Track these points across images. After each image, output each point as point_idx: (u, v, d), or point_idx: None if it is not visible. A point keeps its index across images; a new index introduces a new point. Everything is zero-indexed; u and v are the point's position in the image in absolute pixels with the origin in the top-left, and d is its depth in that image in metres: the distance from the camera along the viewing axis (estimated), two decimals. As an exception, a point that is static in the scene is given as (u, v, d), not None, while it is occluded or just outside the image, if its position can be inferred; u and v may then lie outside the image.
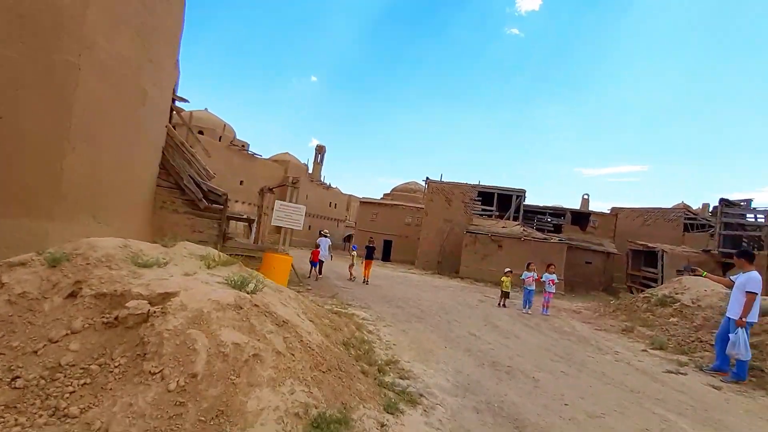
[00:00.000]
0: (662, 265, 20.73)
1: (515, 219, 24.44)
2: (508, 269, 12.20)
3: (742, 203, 21.57)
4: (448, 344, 6.22)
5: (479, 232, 22.76)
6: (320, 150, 49.20)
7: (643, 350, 7.21)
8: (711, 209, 26.13)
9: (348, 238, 46.31)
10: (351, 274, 14.79)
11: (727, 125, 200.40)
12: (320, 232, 16.78)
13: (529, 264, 11.77)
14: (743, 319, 5.19)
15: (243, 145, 35.25)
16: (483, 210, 25.01)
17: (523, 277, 11.29)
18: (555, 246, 21.38)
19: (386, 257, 34.40)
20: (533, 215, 25.46)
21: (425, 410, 3.58)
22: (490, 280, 20.63)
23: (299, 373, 3.07)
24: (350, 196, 51.94)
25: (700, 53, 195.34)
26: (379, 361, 4.70)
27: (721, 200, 21.85)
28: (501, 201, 25.08)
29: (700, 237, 23.90)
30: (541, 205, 25.81)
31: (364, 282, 14.34)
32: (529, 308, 10.74)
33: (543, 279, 11.23)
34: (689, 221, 25.64)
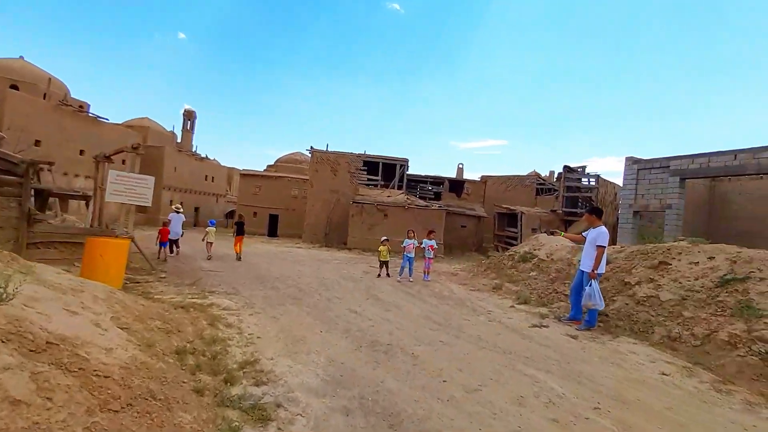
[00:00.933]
0: (521, 225, 23.65)
1: (399, 188, 24.94)
2: (385, 237, 12.04)
3: (578, 170, 25.65)
4: (324, 327, 5.53)
5: (365, 202, 22.60)
6: (189, 115, 43.16)
7: (510, 306, 7.64)
8: (556, 175, 30.58)
9: (230, 214, 42.29)
10: (209, 251, 13.12)
11: (569, 103, 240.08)
12: (173, 207, 15.38)
13: (409, 231, 11.77)
14: (594, 272, 5.64)
15: (81, 106, 28.42)
16: (369, 180, 24.88)
17: (403, 244, 11.24)
18: (435, 212, 22.49)
19: (273, 233, 32.38)
20: (416, 184, 26.34)
21: (279, 428, 2.79)
22: (376, 248, 20.84)
23: (60, 425, 1.95)
24: (231, 169, 47.15)
25: (550, 38, 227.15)
26: (232, 366, 3.74)
27: (564, 167, 25.65)
28: (385, 170, 25.25)
29: (548, 199, 27.84)
30: (423, 174, 26.81)
31: (237, 259, 12.88)
32: (411, 276, 10.77)
33: (423, 245, 11.36)
34: (540, 186, 29.62)
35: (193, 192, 36.70)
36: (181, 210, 14.21)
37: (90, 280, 4.66)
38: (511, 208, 25.03)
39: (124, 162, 20.63)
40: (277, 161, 37.91)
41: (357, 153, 24.84)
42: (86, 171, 26.94)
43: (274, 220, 32.88)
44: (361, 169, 24.68)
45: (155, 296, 6.48)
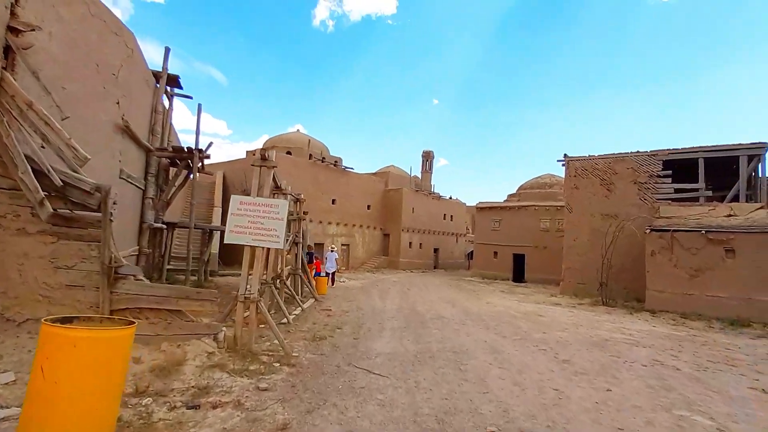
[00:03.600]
0: None
1: (749, 199, 13.40)
2: None
3: None
4: None
5: (679, 228, 12.75)
6: (427, 156, 42.99)
7: None
8: None
9: (471, 255, 38.29)
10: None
11: None
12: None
13: None
14: None
15: (336, 162, 31.44)
16: (677, 191, 14.62)
17: None
18: None
19: (518, 277, 25.43)
20: (787, 189, 13.80)
21: None
22: (715, 315, 10.86)
23: None
24: (473, 207, 43.91)
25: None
26: None
27: None
28: (713, 170, 14.34)
29: None
30: (800, 168, 13.98)
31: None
32: None
33: None
34: None
35: (432, 232, 34.69)
36: (334, 249, 18.08)
37: None
38: None
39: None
40: (519, 189, 31.24)
41: (648, 151, 15.23)
42: (336, 218, 28.98)
43: (519, 260, 25.95)
44: (660, 175, 14.84)
45: None
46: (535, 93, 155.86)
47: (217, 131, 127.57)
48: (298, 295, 11.62)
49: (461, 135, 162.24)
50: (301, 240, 11.83)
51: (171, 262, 17.65)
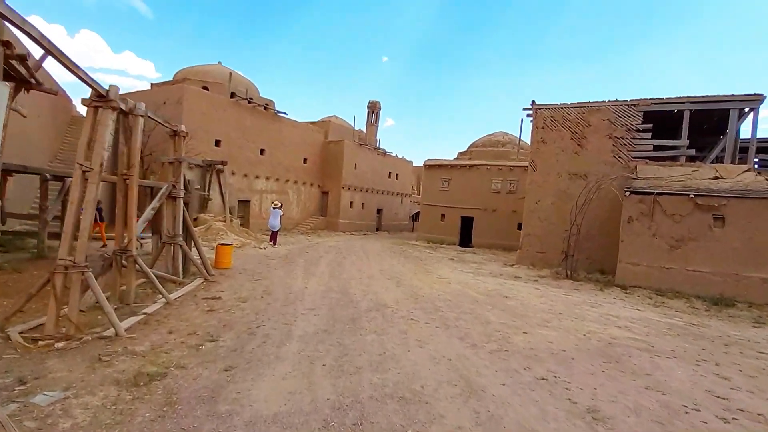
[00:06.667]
0: None
1: (739, 160, 11.81)
2: None
3: None
4: None
5: (664, 191, 10.81)
6: (373, 107, 39.00)
7: None
8: None
9: (416, 216, 36.13)
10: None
11: None
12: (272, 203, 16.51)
13: None
14: None
15: (266, 105, 26.38)
16: (657, 148, 12.70)
17: None
18: None
19: (466, 241, 23.55)
20: None
21: None
22: (695, 292, 9.29)
23: None
24: (420, 167, 41.20)
25: None
26: None
27: None
28: (698, 126, 12.55)
29: None
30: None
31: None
32: None
33: None
34: None
35: (375, 191, 31.65)
36: (278, 206, 17.06)
37: None
38: None
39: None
40: (470, 146, 28.87)
41: (629, 100, 12.97)
42: (267, 172, 24.66)
43: (467, 224, 23.98)
44: (639, 129, 12.75)
45: None
46: (489, 54, 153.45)
47: (143, 73, 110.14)
48: (176, 274, 7.99)
49: (410, 96, 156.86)
50: (182, 194, 8.02)
51: (11, 223, 12.78)
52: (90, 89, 5.21)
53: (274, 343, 5.04)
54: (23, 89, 9.72)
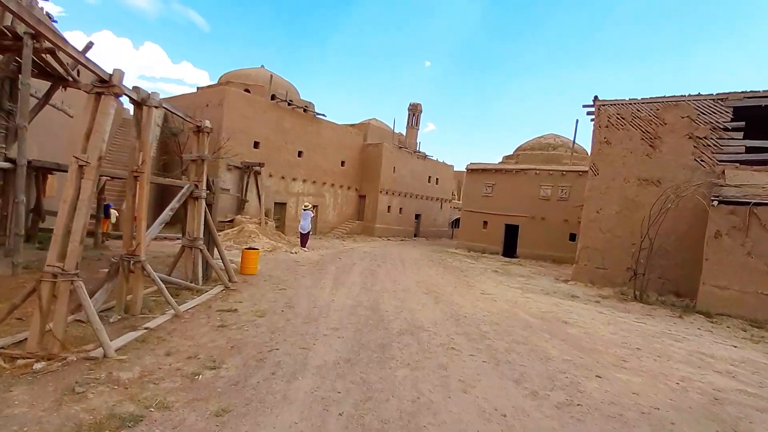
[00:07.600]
0: None
1: None
2: None
3: None
4: None
5: (762, 199, 8.94)
6: (414, 110, 38.09)
7: None
8: None
9: (455, 223, 34.63)
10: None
11: None
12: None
13: None
14: None
15: (306, 107, 26.20)
16: (749, 149, 10.69)
17: None
18: None
19: (510, 251, 21.87)
20: None
21: None
22: None
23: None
24: (462, 173, 39.61)
25: None
26: None
27: None
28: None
29: None
30: None
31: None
32: None
33: None
34: None
35: (414, 196, 30.57)
36: (309, 207, 17.10)
37: None
38: None
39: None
40: (517, 150, 26.99)
41: (712, 95, 11.05)
42: (305, 174, 24.35)
43: (512, 232, 22.29)
44: (728, 128, 10.81)
45: None
46: (532, 56, 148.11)
47: (199, 82, 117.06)
48: (196, 281, 7.41)
49: (452, 101, 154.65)
50: (204, 194, 7.44)
51: (51, 221, 13.01)
52: (94, 75, 4.65)
53: (285, 375, 4.15)
54: (60, 87, 9.68)
